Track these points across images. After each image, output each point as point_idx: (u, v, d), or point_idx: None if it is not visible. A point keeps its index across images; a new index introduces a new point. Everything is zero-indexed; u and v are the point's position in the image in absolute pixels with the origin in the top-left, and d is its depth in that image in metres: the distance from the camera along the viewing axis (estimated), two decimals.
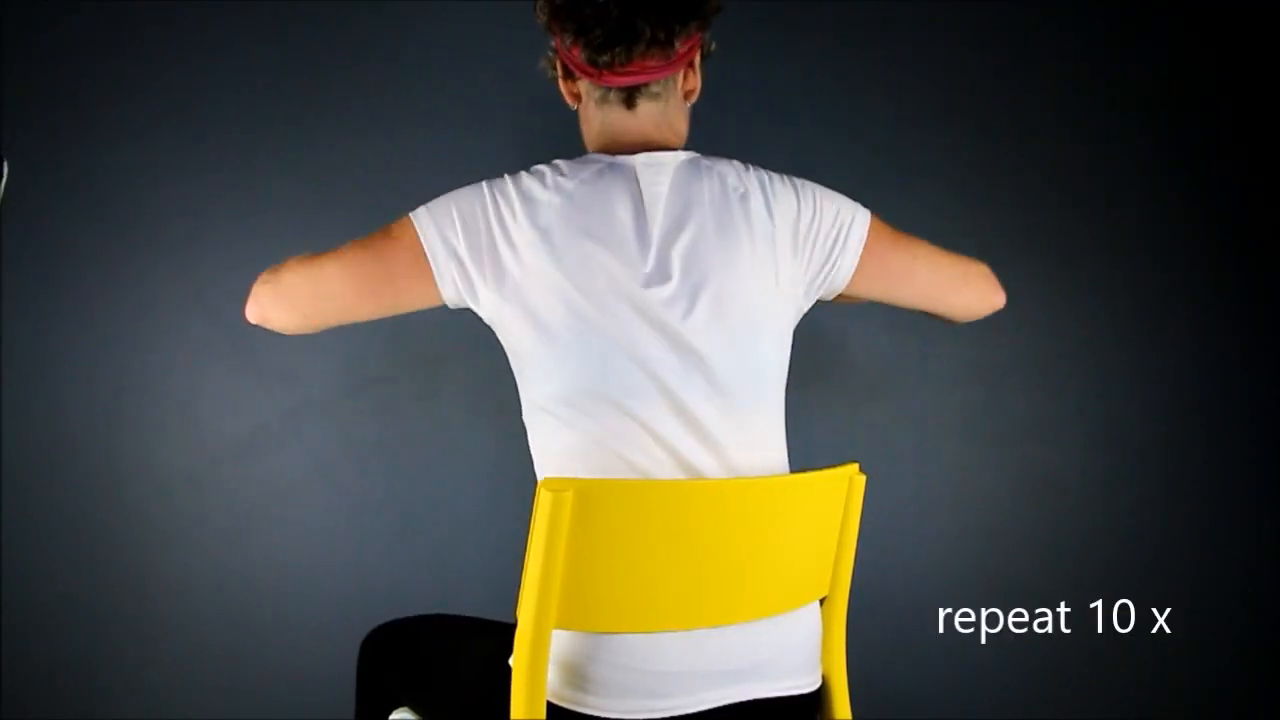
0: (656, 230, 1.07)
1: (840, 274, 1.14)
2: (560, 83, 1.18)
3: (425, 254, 1.07)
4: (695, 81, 1.17)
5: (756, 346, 1.07)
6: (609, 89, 1.12)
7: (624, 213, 1.07)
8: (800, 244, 1.11)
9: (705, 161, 1.12)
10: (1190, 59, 2.08)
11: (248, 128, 1.92)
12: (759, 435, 1.08)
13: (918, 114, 2.05)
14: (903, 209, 2.02)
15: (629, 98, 1.12)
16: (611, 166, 1.10)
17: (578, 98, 1.17)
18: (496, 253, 1.06)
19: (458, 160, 1.95)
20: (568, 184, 1.07)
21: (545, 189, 1.07)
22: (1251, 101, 2.06)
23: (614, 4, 1.06)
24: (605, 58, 1.09)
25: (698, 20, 1.11)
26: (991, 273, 1.24)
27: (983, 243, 2.03)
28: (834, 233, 1.12)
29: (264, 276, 1.14)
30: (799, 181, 1.14)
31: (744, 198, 1.09)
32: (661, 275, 1.05)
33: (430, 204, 1.10)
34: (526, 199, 1.07)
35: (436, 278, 1.08)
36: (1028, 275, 2.06)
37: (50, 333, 1.88)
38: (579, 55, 1.11)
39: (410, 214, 1.09)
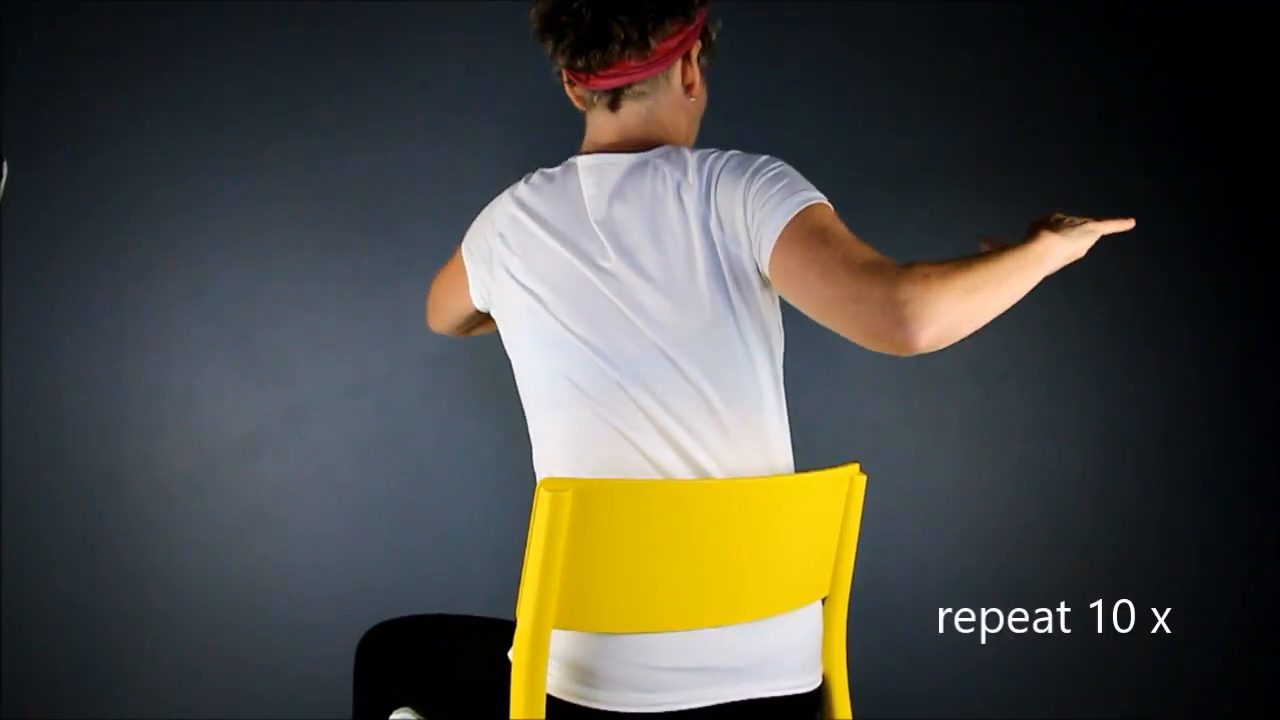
0: (597, 230, 1.09)
1: (763, 264, 1.03)
2: (567, 89, 1.20)
3: (464, 267, 1.22)
4: (694, 75, 1.16)
5: (718, 342, 1.05)
6: (594, 92, 1.15)
7: (566, 214, 1.11)
8: (740, 229, 1.04)
9: (656, 159, 1.10)
10: (1190, 59, 2.08)
11: (247, 127, 1.92)
12: (738, 436, 1.05)
13: (915, 114, 2.05)
14: (899, 209, 2.05)
15: (613, 100, 1.15)
16: (565, 169, 1.15)
17: (582, 101, 1.19)
18: (488, 262, 1.17)
19: (458, 158, 1.96)
20: (523, 191, 1.15)
21: (511, 198, 1.16)
22: (1252, 102, 2.06)
23: (586, 8, 1.08)
24: (582, 62, 1.11)
25: (676, 17, 1.11)
26: (906, 302, 0.87)
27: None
28: (762, 215, 1.02)
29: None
30: (762, 164, 1.06)
31: (683, 189, 1.07)
32: (609, 274, 1.07)
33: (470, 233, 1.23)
34: (500, 208, 1.16)
35: (468, 285, 1.22)
36: None
37: (50, 332, 1.88)
38: (562, 62, 1.14)
39: (464, 243, 1.24)
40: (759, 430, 1.06)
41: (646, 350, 1.04)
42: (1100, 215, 1.09)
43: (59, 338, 1.88)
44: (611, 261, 1.07)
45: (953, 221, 2.06)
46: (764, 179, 1.03)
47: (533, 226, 1.12)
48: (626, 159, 1.12)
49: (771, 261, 1.00)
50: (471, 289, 1.22)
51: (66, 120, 1.88)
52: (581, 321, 1.06)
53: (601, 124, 1.17)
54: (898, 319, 0.88)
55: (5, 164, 1.19)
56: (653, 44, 1.10)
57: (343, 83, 1.94)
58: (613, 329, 1.05)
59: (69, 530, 1.88)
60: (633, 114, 1.15)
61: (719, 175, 1.06)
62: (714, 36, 1.18)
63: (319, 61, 1.94)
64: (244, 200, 1.92)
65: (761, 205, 1.02)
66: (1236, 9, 2.06)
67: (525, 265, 1.11)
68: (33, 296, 1.87)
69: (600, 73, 1.12)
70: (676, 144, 1.16)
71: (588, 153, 1.16)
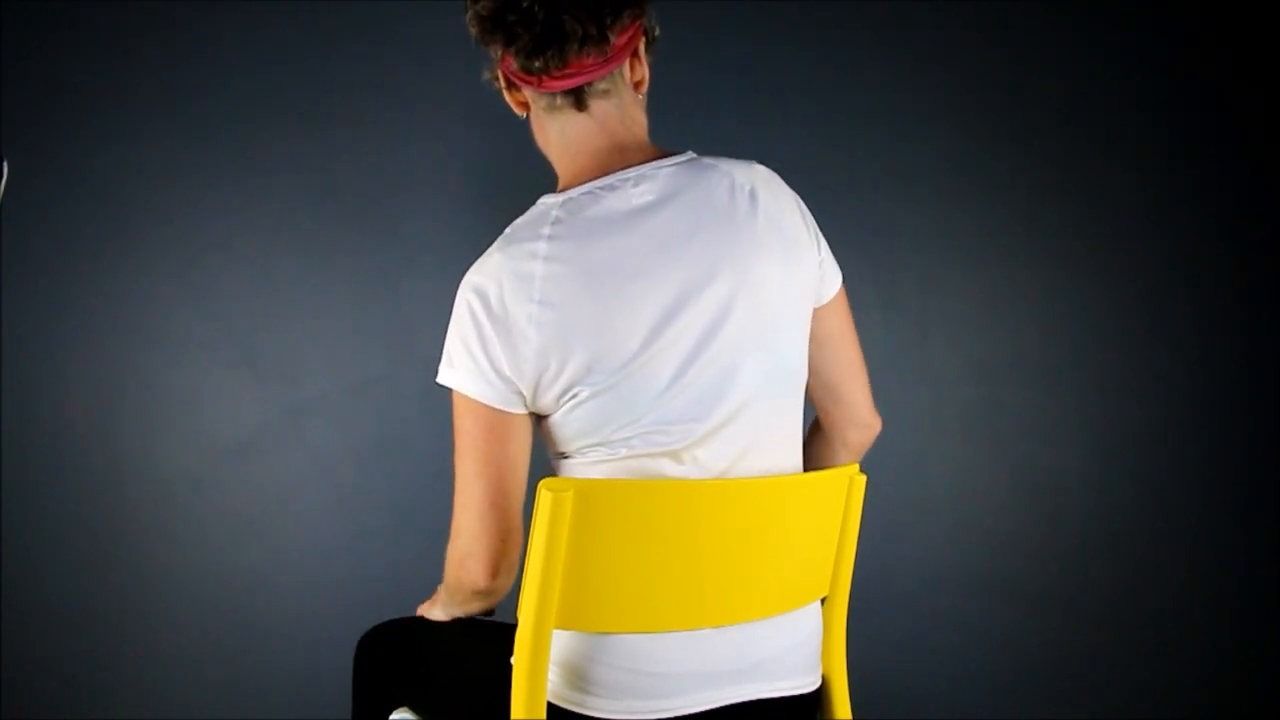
0: (666, 244, 1.02)
1: (825, 292, 1.11)
2: (505, 94, 1.13)
3: (485, 403, 1.02)
4: (643, 71, 1.10)
5: (780, 346, 1.05)
6: (554, 95, 1.07)
7: (625, 244, 1.01)
8: (805, 244, 1.08)
9: (707, 160, 1.07)
10: (1191, 58, 2.08)
11: (247, 126, 1.92)
12: (780, 440, 1.07)
13: (916, 113, 2.05)
14: (902, 208, 2.05)
15: (578, 100, 1.06)
16: (591, 196, 1.04)
17: (525, 106, 1.12)
18: (513, 346, 1.00)
19: (457, 158, 1.96)
20: (556, 247, 1.01)
21: (535, 259, 1.00)
22: (1252, 101, 2.06)
23: (539, 6, 1.01)
24: (539, 63, 1.03)
25: (630, 9, 1.05)
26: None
27: (982, 242, 2.06)
28: (826, 256, 1.12)
29: (450, 559, 1.08)
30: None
31: (753, 195, 1.05)
32: (682, 292, 1.01)
33: (446, 358, 1.05)
34: (518, 279, 1.00)
35: (509, 408, 1.03)
36: (1027, 275, 2.06)
37: (50, 332, 1.88)
38: (513, 64, 1.06)
39: (446, 384, 1.04)
40: (793, 434, 1.10)
41: (716, 371, 1.01)
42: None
43: (59, 338, 1.88)
44: (683, 274, 1.01)
45: (952, 222, 2.06)
46: (808, 212, 1.11)
47: (585, 279, 1.00)
48: (665, 163, 1.06)
49: (829, 310, 1.12)
50: (515, 399, 1.02)
51: (66, 120, 1.87)
52: (651, 357, 1.00)
53: (573, 128, 1.08)
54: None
55: (5, 164, 1.19)
56: (611, 39, 1.04)
57: (343, 82, 1.94)
58: (686, 353, 1.01)
59: (69, 530, 1.88)
60: (605, 113, 1.08)
61: (778, 188, 1.08)
62: (656, 32, 1.12)
63: (319, 61, 1.94)
64: (244, 200, 1.92)
65: (825, 246, 1.11)
66: (1238, 9, 2.06)
67: (590, 324, 0.99)
68: (33, 296, 1.87)
69: (556, 73, 1.04)
70: (645, 141, 1.11)
71: (578, 161, 1.08)
